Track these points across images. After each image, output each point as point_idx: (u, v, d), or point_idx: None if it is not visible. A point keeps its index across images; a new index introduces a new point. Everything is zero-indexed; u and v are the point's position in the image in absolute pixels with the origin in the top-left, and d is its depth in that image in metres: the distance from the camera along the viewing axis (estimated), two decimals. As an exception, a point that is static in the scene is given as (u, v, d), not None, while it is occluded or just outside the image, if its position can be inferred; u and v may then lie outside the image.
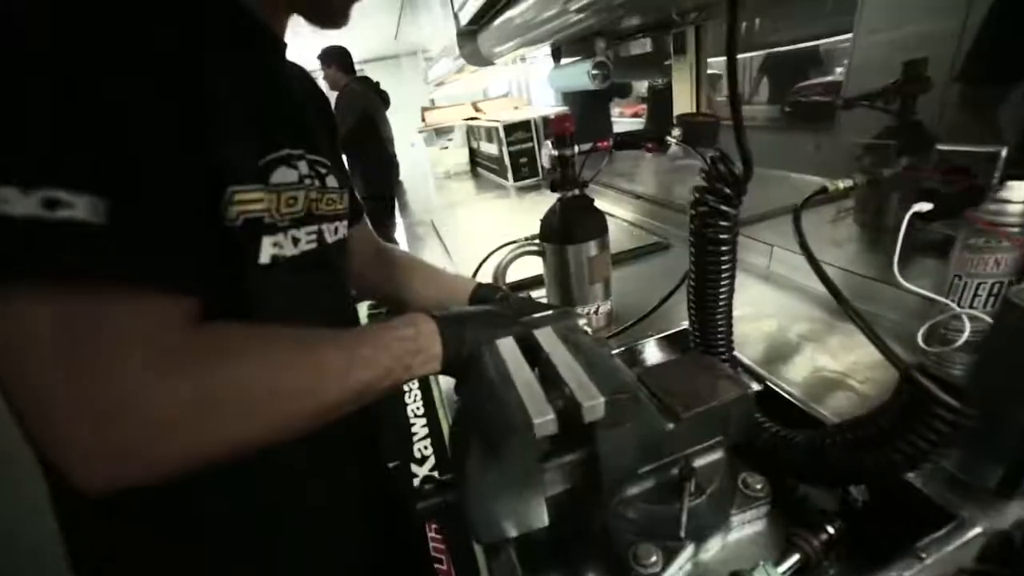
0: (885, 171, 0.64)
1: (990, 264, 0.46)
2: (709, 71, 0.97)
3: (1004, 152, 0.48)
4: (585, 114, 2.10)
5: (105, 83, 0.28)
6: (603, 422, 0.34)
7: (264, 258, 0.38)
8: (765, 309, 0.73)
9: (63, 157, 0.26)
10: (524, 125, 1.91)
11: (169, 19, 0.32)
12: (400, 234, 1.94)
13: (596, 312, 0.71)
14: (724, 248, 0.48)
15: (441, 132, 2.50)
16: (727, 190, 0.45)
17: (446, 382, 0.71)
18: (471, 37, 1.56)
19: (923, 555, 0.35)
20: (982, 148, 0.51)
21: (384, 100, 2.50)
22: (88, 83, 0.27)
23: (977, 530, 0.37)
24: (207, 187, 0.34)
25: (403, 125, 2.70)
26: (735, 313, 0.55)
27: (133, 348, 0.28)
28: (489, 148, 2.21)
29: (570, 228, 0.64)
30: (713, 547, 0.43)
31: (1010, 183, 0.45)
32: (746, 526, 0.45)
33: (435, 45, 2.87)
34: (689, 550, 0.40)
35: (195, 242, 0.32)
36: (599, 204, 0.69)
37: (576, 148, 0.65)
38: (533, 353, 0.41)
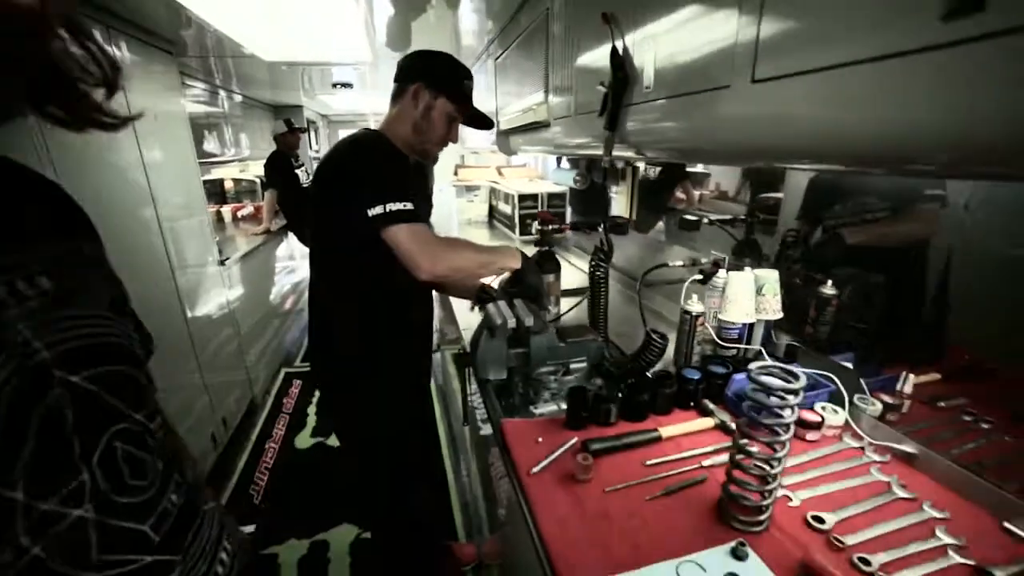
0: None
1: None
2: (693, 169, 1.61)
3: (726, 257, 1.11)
4: (588, 196, 2.78)
5: (406, 182, 0.95)
6: (532, 331, 0.96)
7: None
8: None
9: (406, 197, 0.93)
10: (533, 197, 2.60)
11: (407, 165, 1.00)
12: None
13: (550, 308, 1.32)
14: (601, 282, 1.10)
15: (470, 188, 3.21)
16: (603, 256, 1.08)
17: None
18: (505, 135, 2.26)
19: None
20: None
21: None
22: (401, 182, 0.94)
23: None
24: None
25: (436, 171, 3.38)
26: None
27: (430, 240, 0.95)
28: (505, 207, 2.89)
29: (541, 264, 1.27)
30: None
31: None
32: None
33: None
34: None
35: None
36: (577, 260, 1.31)
37: (550, 226, 1.28)
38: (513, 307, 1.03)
